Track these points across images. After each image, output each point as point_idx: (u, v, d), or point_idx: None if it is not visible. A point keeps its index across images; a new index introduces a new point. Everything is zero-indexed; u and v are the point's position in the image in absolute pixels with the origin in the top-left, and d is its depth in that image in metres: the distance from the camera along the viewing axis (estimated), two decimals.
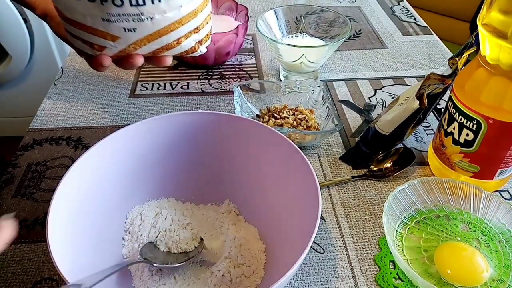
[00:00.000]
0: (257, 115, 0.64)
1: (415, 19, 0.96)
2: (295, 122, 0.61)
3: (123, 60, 0.44)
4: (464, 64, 0.51)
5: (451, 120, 0.51)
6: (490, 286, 0.44)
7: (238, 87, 0.64)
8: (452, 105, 0.51)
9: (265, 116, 0.63)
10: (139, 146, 0.49)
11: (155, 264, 0.43)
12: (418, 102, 0.54)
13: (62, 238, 0.38)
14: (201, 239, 0.47)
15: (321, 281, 0.45)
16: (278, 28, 0.75)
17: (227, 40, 0.73)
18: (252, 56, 0.83)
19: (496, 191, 0.56)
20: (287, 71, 0.73)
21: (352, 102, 0.71)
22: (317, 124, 0.62)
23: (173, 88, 0.74)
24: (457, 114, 0.50)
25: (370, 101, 0.71)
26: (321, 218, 0.51)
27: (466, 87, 0.49)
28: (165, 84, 0.75)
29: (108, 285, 0.42)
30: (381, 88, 0.74)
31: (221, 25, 0.79)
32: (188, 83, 0.75)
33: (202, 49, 0.46)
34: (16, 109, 1.58)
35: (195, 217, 0.50)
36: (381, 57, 0.82)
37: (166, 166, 0.50)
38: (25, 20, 1.36)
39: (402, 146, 0.61)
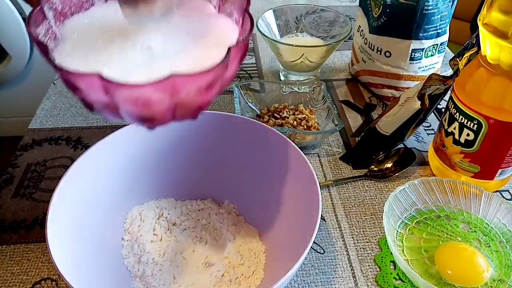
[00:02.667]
0: (257, 115, 0.63)
1: None
2: (295, 122, 0.61)
3: None
4: (465, 65, 0.51)
5: (452, 120, 0.51)
6: (491, 286, 0.44)
7: (238, 87, 0.64)
8: (452, 105, 0.51)
9: (265, 116, 0.62)
10: (138, 146, 0.48)
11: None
12: (419, 102, 0.54)
13: (61, 238, 0.38)
14: None
15: (321, 281, 0.45)
16: (278, 28, 0.75)
17: None
18: (252, 56, 0.82)
19: (497, 191, 0.56)
20: (287, 71, 0.73)
21: (353, 102, 0.71)
22: (317, 124, 0.62)
23: None
24: (457, 114, 0.50)
25: (371, 101, 0.71)
26: (321, 218, 0.50)
27: (466, 87, 0.48)
28: None
29: (108, 285, 0.42)
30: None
31: None
32: None
33: None
34: (15, 109, 1.58)
35: (195, 217, 0.50)
36: None
37: (166, 166, 0.50)
38: (25, 20, 1.36)
39: (402, 146, 0.61)
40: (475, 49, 0.50)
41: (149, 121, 0.33)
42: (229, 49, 0.30)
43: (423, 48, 0.63)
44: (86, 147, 0.61)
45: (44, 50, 0.31)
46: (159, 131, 0.49)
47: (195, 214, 0.50)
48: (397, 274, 0.46)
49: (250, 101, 0.65)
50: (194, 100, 0.32)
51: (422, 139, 0.64)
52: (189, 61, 0.32)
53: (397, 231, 0.48)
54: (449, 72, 0.53)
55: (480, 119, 0.48)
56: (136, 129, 0.48)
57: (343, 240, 0.49)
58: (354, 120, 0.67)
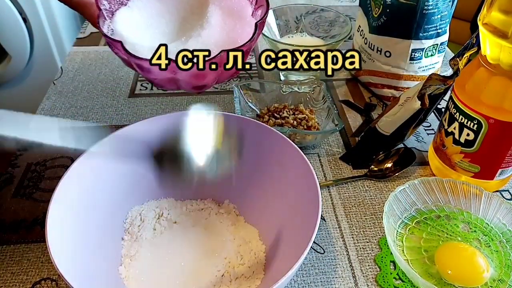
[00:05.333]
0: (257, 115, 0.63)
1: None
2: (295, 122, 0.61)
3: None
4: (465, 65, 0.51)
5: (452, 120, 0.51)
6: (491, 286, 0.44)
7: (238, 87, 0.64)
8: (452, 105, 0.51)
9: (265, 116, 0.62)
10: (139, 146, 0.48)
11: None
12: (419, 102, 0.54)
13: (61, 238, 0.38)
14: None
15: (321, 281, 0.45)
16: (278, 28, 0.75)
17: None
18: (252, 56, 0.82)
19: (497, 191, 0.56)
20: (287, 71, 0.73)
21: (353, 102, 0.71)
22: (317, 124, 0.62)
23: None
24: (457, 114, 0.50)
25: (371, 101, 0.71)
26: (321, 218, 0.50)
27: (466, 87, 0.48)
28: None
29: (108, 285, 0.42)
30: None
31: None
32: None
33: None
34: (15, 109, 1.59)
35: (195, 217, 0.50)
36: None
37: (166, 166, 0.50)
38: (25, 19, 1.36)
39: (402, 146, 0.61)
40: (475, 49, 0.50)
41: (202, 87, 0.42)
42: (256, 24, 0.39)
43: (423, 48, 0.63)
44: None
45: (122, 47, 0.36)
46: (159, 131, 0.49)
47: (195, 214, 0.50)
48: (397, 274, 0.46)
49: (250, 101, 0.65)
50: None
51: (422, 139, 0.64)
52: (226, 38, 0.40)
53: (397, 231, 0.48)
54: (449, 72, 0.53)
55: (480, 119, 0.48)
56: (136, 129, 0.48)
57: (343, 240, 0.49)
58: (354, 120, 0.67)
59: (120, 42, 0.37)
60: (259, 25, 0.39)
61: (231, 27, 0.40)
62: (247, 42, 0.38)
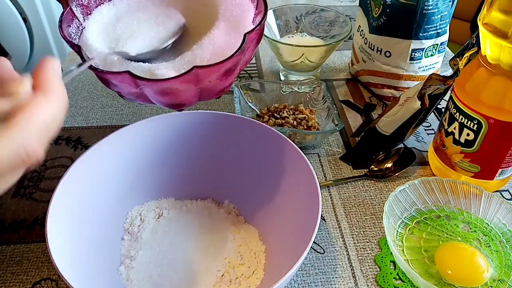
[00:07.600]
0: (257, 115, 0.63)
1: None
2: (295, 122, 0.61)
3: None
4: (465, 65, 0.51)
5: (452, 120, 0.51)
6: (491, 286, 0.44)
7: (238, 87, 0.64)
8: (452, 105, 0.51)
9: (265, 116, 0.62)
10: (139, 146, 0.48)
11: (131, 54, 0.35)
12: (419, 102, 0.54)
13: (61, 238, 0.38)
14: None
15: (321, 281, 0.45)
16: (278, 28, 0.75)
17: None
18: (253, 56, 0.82)
19: (497, 191, 0.56)
20: (287, 71, 0.73)
21: (353, 102, 0.71)
22: (317, 124, 0.62)
23: None
24: (457, 114, 0.50)
25: (371, 101, 0.71)
26: (321, 218, 0.50)
27: (466, 87, 0.48)
28: None
29: (108, 285, 0.42)
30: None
31: None
32: None
33: None
34: None
35: (195, 217, 0.50)
36: None
37: (166, 166, 0.50)
38: (25, 19, 1.36)
39: (402, 146, 0.61)
40: (475, 49, 0.50)
41: (178, 106, 0.37)
42: (244, 36, 0.33)
43: (423, 48, 0.63)
44: (86, 147, 0.61)
45: (78, 51, 0.34)
46: (158, 131, 0.49)
47: (195, 214, 0.50)
48: (397, 274, 0.46)
49: (250, 101, 0.65)
50: (216, 84, 0.36)
51: (422, 139, 0.64)
52: (210, 49, 0.35)
53: (397, 231, 0.48)
54: (449, 72, 0.53)
55: (480, 119, 0.48)
56: (136, 130, 0.48)
57: (343, 240, 0.49)
58: (354, 120, 0.67)
59: (78, 46, 0.33)
60: (250, 36, 0.34)
61: (228, 40, 0.36)
62: (230, 57, 0.33)
